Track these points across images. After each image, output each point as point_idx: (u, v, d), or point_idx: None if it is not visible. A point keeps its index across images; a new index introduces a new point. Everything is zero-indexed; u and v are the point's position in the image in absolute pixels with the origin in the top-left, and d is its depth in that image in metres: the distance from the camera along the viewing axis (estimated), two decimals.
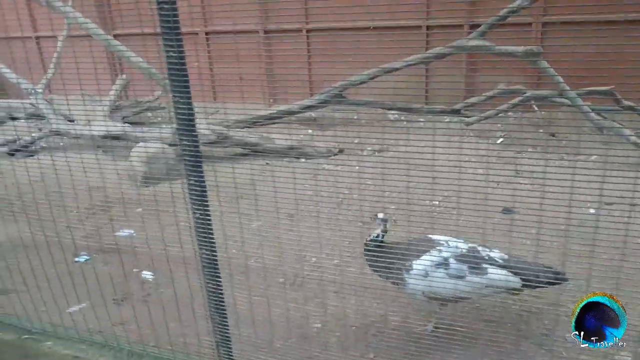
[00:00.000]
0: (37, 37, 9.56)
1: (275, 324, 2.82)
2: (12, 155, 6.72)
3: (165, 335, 2.76)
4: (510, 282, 2.64)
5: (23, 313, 3.21)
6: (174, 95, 1.71)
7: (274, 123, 6.81)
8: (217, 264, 2.00)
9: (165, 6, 1.60)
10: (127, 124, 6.85)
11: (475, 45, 5.70)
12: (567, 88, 5.37)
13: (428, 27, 7.11)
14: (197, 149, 1.78)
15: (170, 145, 5.44)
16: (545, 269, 2.66)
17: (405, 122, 7.10)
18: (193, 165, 1.81)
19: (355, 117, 7.41)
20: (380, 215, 2.87)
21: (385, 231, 2.85)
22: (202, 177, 1.83)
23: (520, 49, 5.54)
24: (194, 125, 1.74)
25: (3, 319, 3.07)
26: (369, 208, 3.90)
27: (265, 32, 7.91)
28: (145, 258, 3.57)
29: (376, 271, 2.82)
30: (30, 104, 6.80)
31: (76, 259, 3.84)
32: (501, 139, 5.90)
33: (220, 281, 2.03)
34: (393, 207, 4.51)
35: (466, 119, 6.40)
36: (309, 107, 6.73)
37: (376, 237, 2.83)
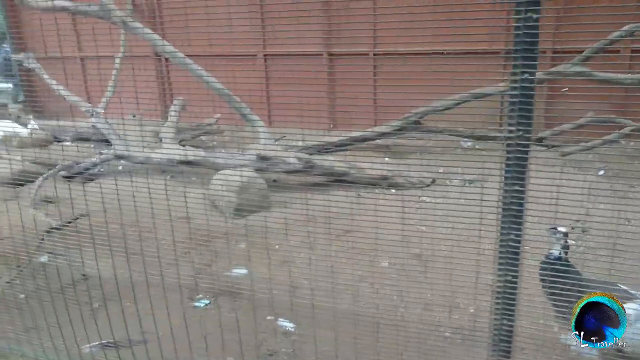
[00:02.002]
0: (82, 58, 9.24)
1: None
2: (70, 179, 6.33)
3: None
4: None
5: None
6: (519, 128, 1.34)
7: (341, 150, 6.47)
8: (512, 339, 1.60)
9: (534, 16, 1.25)
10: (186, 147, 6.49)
11: (578, 71, 5.41)
12: None
13: (507, 53, 6.80)
14: (523, 200, 1.41)
15: (258, 171, 5.07)
16: None
17: (482, 150, 6.77)
18: (514, 219, 1.43)
19: (430, 145, 7.08)
20: (562, 229, 2.42)
21: (566, 248, 2.41)
22: (520, 234, 1.45)
23: (629, 76, 5.26)
24: (525, 167, 1.37)
25: None
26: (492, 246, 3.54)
27: (330, 54, 7.63)
28: (274, 303, 3.17)
29: (554, 301, 2.30)
30: (93, 125, 6.43)
31: (195, 304, 3.41)
32: (602, 171, 5.55)
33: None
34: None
35: (560, 149, 6.08)
36: (387, 134, 6.41)
37: (558, 255, 2.38)
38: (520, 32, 1.28)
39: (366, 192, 5.19)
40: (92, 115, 6.48)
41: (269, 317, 3.20)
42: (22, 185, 5.91)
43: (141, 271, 3.29)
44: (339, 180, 5.32)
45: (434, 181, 5.48)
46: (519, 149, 1.37)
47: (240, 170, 4.76)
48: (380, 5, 6.69)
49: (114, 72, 7.01)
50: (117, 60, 7.05)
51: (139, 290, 3.17)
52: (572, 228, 2.43)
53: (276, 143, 5.89)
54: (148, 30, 5.52)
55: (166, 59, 8.66)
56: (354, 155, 6.23)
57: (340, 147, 6.35)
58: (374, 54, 7.41)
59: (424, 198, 5.10)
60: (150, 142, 6.53)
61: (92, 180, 6.11)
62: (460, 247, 3.30)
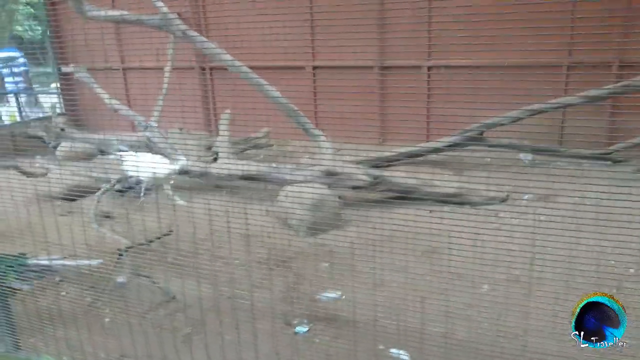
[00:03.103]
0: (124, 69, 9.18)
1: None
2: (122, 193, 6.19)
3: None
4: None
5: None
6: None
7: (394, 164, 6.28)
8: None
9: None
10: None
11: None
12: None
13: (569, 67, 6.60)
14: None
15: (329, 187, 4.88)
16: None
17: (542, 166, 6.53)
18: None
19: (488, 160, 6.86)
20: None
21: None
22: None
23: None
24: None
25: None
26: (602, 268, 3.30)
27: (382, 68, 7.46)
28: (381, 331, 2.95)
29: None
30: (148, 139, 6.29)
31: (297, 329, 3.20)
32: None
33: None
34: (631, 270, 3.88)
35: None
36: (449, 147, 6.22)
37: None
38: None
39: (438, 209, 4.97)
40: (146, 128, 6.34)
41: (380, 347, 2.97)
42: (73, 200, 5.77)
43: (228, 294, 3.11)
44: (407, 196, 5.11)
45: (508, 197, 5.25)
46: None
47: (316, 186, 4.57)
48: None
49: (164, 84, 6.88)
50: (166, 72, 6.93)
51: (227, 314, 2.98)
52: None
53: (338, 158, 5.72)
54: (212, 45, 5.40)
55: (210, 71, 8.57)
56: (416, 170, 6.03)
57: (397, 160, 6.18)
58: (428, 67, 7.24)
59: (503, 215, 4.87)
60: (204, 155, 6.39)
61: (145, 195, 5.96)
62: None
